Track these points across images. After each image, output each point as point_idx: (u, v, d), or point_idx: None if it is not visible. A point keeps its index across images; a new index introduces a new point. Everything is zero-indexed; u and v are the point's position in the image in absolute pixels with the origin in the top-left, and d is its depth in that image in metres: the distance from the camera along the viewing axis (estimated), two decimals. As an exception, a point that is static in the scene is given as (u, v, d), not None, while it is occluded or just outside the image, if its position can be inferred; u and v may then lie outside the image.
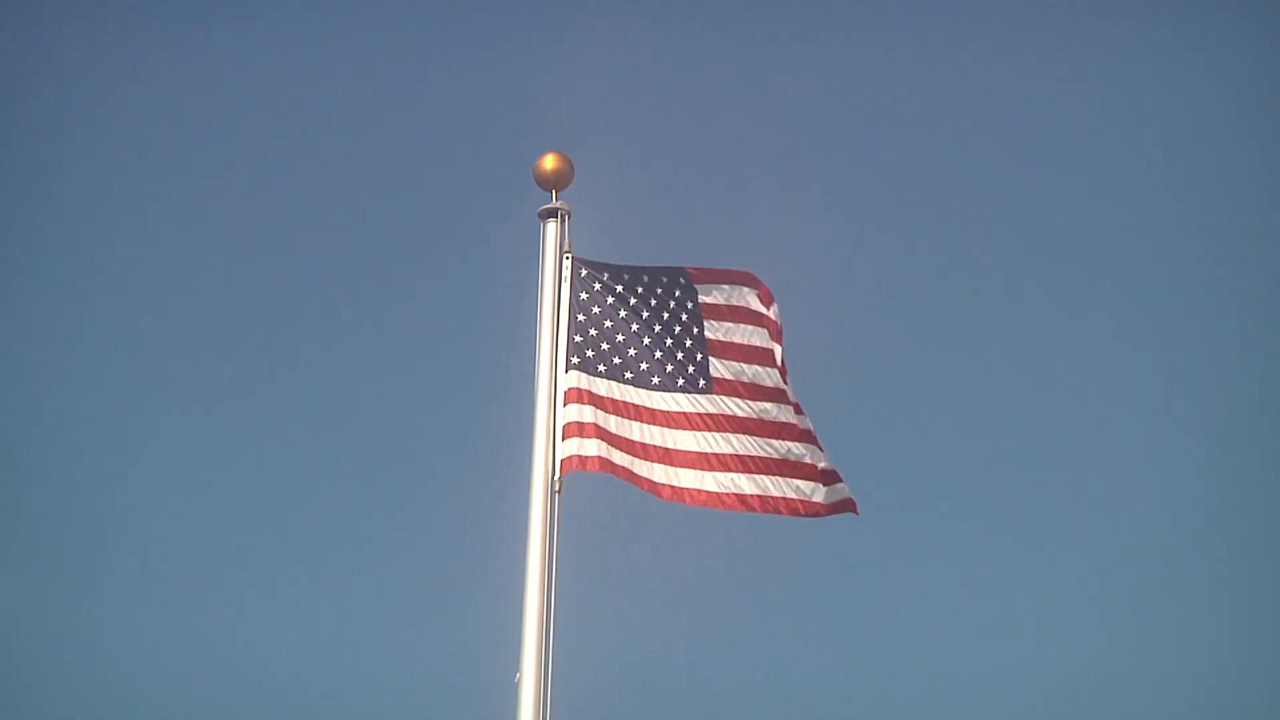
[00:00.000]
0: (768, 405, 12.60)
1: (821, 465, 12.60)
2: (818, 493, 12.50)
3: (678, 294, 12.79)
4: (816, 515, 12.50)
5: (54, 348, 27.08)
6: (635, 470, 12.12)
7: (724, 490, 12.23)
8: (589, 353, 12.34)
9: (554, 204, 12.60)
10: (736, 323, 12.85)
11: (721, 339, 12.77)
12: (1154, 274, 28.48)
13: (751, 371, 12.68)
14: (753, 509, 12.34)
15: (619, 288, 12.62)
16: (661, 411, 12.34)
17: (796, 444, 12.55)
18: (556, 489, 11.72)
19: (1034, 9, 29.26)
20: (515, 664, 11.17)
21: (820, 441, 12.73)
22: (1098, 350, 28.27)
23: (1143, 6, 28.77)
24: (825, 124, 30.18)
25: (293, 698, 23.10)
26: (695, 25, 29.71)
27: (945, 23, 29.40)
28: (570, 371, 12.23)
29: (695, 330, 12.73)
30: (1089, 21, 28.65)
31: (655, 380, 12.42)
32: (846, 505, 12.71)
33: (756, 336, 12.82)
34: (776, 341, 12.82)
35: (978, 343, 28.87)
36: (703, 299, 12.85)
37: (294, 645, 24.26)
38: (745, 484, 12.29)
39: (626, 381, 12.36)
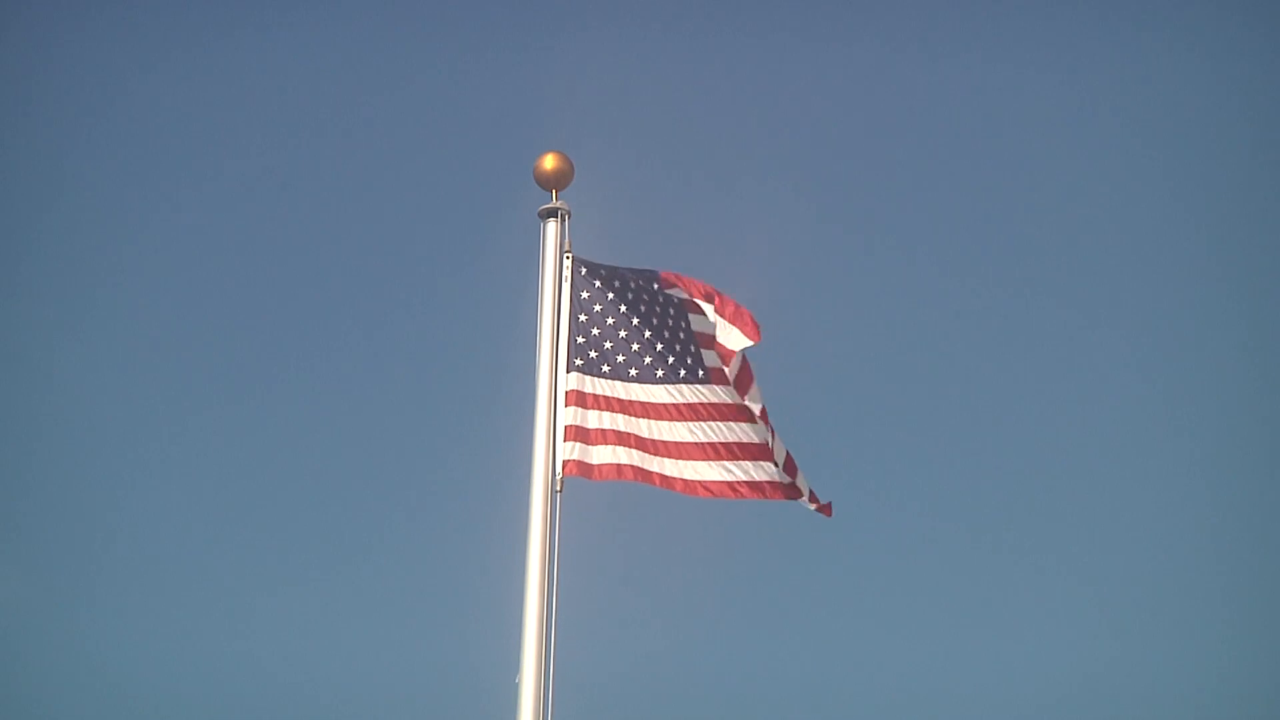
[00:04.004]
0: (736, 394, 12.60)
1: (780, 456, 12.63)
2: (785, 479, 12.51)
3: (656, 289, 12.75)
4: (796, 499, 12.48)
5: (56, 345, 27.10)
6: (646, 467, 12.14)
7: (735, 479, 12.23)
8: (592, 353, 12.35)
9: (554, 204, 12.60)
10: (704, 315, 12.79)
11: (701, 330, 12.77)
12: (1151, 274, 28.49)
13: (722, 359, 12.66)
14: (764, 495, 12.35)
15: (617, 283, 12.62)
16: (668, 405, 12.33)
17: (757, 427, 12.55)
18: (558, 489, 11.73)
19: (1034, 9, 29.26)
20: (515, 664, 11.18)
21: (786, 440, 12.79)
22: (1095, 351, 28.28)
23: (1143, 7, 28.78)
24: (824, 125, 30.20)
25: (293, 697, 23.11)
26: (695, 26, 29.73)
27: (945, 24, 29.41)
28: (572, 373, 12.24)
29: (684, 324, 12.72)
30: (1089, 22, 28.65)
31: (659, 374, 12.42)
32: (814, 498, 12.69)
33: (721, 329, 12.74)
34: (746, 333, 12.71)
35: (974, 344, 28.87)
36: (678, 296, 12.81)
37: (294, 645, 24.27)
38: (755, 471, 12.32)
39: (631, 379, 12.36)
